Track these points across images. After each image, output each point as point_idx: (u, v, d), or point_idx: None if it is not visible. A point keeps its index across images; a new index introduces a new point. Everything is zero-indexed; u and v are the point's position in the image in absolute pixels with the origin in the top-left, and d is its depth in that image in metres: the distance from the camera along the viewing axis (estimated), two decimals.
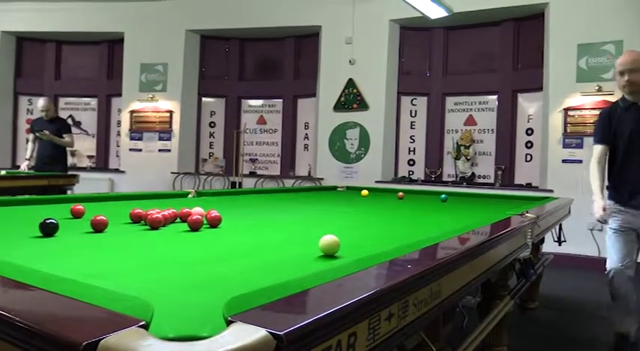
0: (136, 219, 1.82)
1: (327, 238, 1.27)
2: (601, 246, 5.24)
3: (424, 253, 1.33)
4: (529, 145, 6.55)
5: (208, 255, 1.32)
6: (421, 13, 5.07)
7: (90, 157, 8.35)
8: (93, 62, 8.49)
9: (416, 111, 7.22)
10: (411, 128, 7.25)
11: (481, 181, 6.76)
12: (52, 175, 5.14)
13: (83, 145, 8.31)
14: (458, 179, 6.75)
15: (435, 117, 7.06)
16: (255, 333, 0.60)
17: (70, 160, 7.52)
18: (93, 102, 8.50)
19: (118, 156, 8.26)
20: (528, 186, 6.30)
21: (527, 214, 2.35)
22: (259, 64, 8.20)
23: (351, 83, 7.04)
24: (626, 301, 2.72)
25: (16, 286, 0.83)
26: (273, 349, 0.60)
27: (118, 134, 8.26)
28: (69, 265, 1.09)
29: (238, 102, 8.14)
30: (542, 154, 6.17)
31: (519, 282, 2.64)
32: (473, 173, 6.76)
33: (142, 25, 7.83)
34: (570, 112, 5.79)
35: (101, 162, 8.37)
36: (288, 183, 7.51)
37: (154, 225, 1.69)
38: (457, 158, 6.76)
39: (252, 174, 7.78)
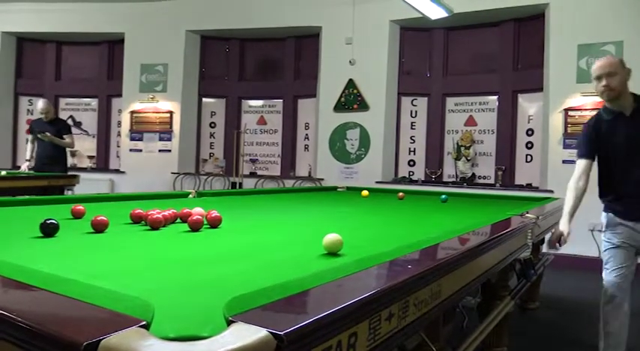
0: (137, 219, 1.83)
1: (331, 237, 1.31)
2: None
3: (424, 254, 1.33)
4: (529, 145, 6.55)
5: (209, 255, 1.32)
6: (421, 13, 5.07)
7: (90, 157, 8.35)
8: (93, 63, 8.49)
9: (416, 111, 7.22)
10: (412, 129, 7.25)
11: (481, 181, 6.76)
12: (53, 176, 5.14)
13: (83, 146, 8.31)
14: (458, 180, 6.74)
15: (436, 117, 7.06)
16: (256, 333, 0.60)
17: (70, 161, 7.52)
18: (93, 102, 8.50)
19: (118, 156, 8.26)
20: (528, 186, 6.30)
21: (527, 215, 2.35)
22: (259, 65, 8.20)
23: (351, 84, 7.04)
24: (619, 340, 2.46)
25: (17, 286, 0.84)
26: (273, 349, 0.60)
27: (119, 135, 8.26)
28: (69, 266, 1.09)
29: (238, 102, 8.14)
30: (543, 154, 6.16)
31: (519, 282, 2.64)
32: (473, 174, 6.76)
33: (142, 26, 7.84)
34: (571, 113, 5.78)
35: (101, 162, 8.37)
36: (289, 183, 7.50)
37: (155, 225, 1.69)
38: (457, 159, 6.76)
39: (252, 174, 7.78)
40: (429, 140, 7.12)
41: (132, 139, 7.92)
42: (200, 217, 1.73)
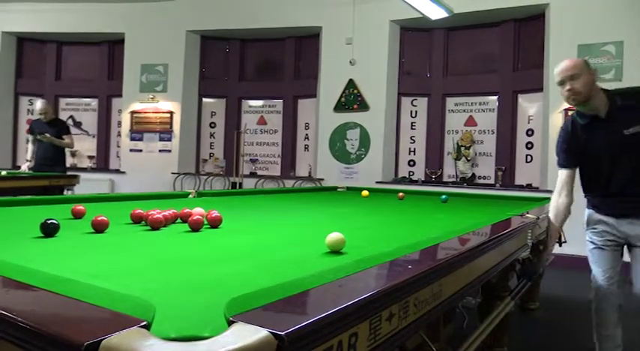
0: (137, 219, 1.83)
1: (334, 235, 1.34)
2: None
3: (425, 254, 1.33)
4: (529, 145, 6.55)
5: (209, 255, 1.32)
6: (421, 13, 5.08)
7: (90, 157, 8.36)
8: (93, 63, 8.50)
9: (416, 111, 7.22)
10: (412, 129, 7.25)
11: (481, 181, 6.76)
12: (53, 176, 5.14)
13: (84, 146, 8.31)
14: (458, 180, 6.74)
15: (436, 117, 7.06)
16: (257, 333, 0.60)
17: (70, 161, 7.54)
18: (93, 102, 8.51)
19: (118, 156, 8.27)
20: (529, 187, 6.30)
21: (527, 215, 2.35)
22: (260, 65, 8.20)
23: (351, 84, 7.04)
24: (616, 342, 2.41)
25: (18, 286, 0.84)
26: (274, 349, 0.60)
27: (119, 135, 8.26)
28: (70, 266, 1.09)
29: (239, 102, 8.14)
30: (543, 154, 6.16)
31: (520, 283, 2.64)
32: (473, 174, 6.76)
33: (142, 26, 7.84)
34: (571, 113, 5.77)
35: (102, 162, 8.37)
36: (289, 183, 7.51)
37: (155, 225, 1.69)
38: (457, 159, 6.76)
39: (252, 174, 7.79)
40: (429, 140, 7.12)
41: (132, 139, 7.92)
42: (200, 217, 1.73)
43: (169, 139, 7.82)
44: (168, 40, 7.77)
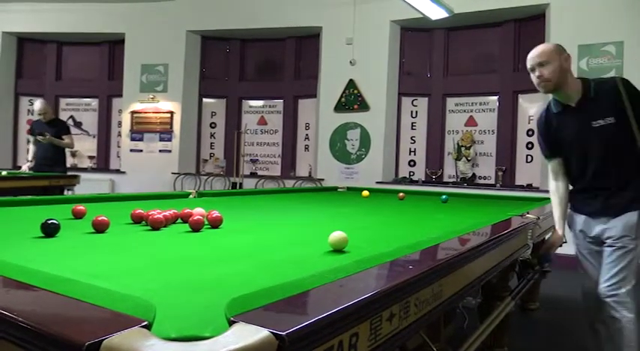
0: (138, 219, 1.83)
1: (337, 234, 1.36)
2: None
3: (425, 254, 1.33)
4: (530, 146, 6.55)
5: (210, 255, 1.32)
6: (422, 14, 5.08)
7: (91, 157, 8.36)
8: (94, 63, 8.50)
9: (417, 112, 7.22)
10: (412, 129, 7.25)
11: (482, 182, 6.76)
12: (53, 176, 5.14)
13: (84, 146, 8.31)
14: (458, 180, 6.74)
15: (436, 118, 7.06)
16: (258, 333, 0.60)
17: (70, 161, 7.54)
18: (94, 103, 8.51)
19: (118, 157, 8.27)
20: (529, 187, 6.29)
21: (527, 215, 2.35)
22: (260, 65, 8.20)
23: (351, 84, 7.04)
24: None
25: (19, 286, 0.84)
26: (275, 349, 0.60)
27: (119, 135, 8.26)
28: (71, 266, 1.09)
29: (239, 103, 8.14)
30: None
31: (520, 283, 2.64)
32: (473, 174, 6.76)
33: (142, 26, 7.84)
34: None
35: (102, 163, 8.37)
36: (289, 184, 7.51)
37: (156, 225, 1.69)
38: (458, 159, 6.76)
39: (252, 174, 7.78)
40: (429, 140, 7.12)
41: (132, 139, 7.93)
42: (201, 217, 1.73)
43: (170, 140, 7.82)
44: (168, 40, 7.77)
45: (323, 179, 7.18)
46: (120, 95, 8.04)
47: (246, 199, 3.23)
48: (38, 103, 5.63)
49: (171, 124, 7.79)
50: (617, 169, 2.22)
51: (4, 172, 5.01)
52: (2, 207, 2.25)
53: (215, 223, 1.77)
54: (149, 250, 1.38)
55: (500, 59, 6.71)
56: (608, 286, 2.19)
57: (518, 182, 6.54)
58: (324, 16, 7.20)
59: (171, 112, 7.79)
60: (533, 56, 2.32)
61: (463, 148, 6.71)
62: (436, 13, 5.04)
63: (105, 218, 1.61)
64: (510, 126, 6.62)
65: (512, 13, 6.40)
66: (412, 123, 7.24)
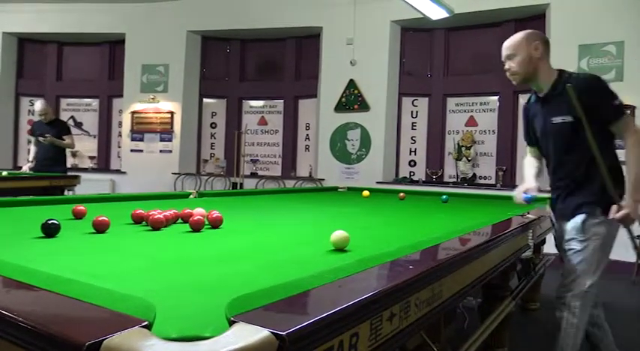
0: (138, 220, 1.83)
1: (339, 233, 1.38)
2: None
3: (426, 254, 1.33)
4: None
5: (210, 255, 1.32)
6: (422, 14, 5.08)
7: (91, 158, 8.36)
8: (94, 63, 8.50)
9: (417, 112, 7.22)
10: (412, 129, 7.24)
11: (482, 181, 6.75)
12: (53, 176, 5.14)
13: (84, 146, 8.31)
14: (459, 180, 6.74)
15: (436, 118, 7.06)
16: (258, 333, 0.60)
17: (71, 161, 7.54)
18: (94, 103, 8.51)
19: (119, 157, 8.27)
20: None
21: (528, 215, 2.35)
22: (260, 65, 8.21)
23: (352, 84, 7.04)
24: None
25: (19, 286, 0.84)
26: (275, 349, 0.60)
27: (120, 135, 8.26)
28: (71, 266, 1.09)
29: (239, 103, 8.15)
30: None
31: (520, 283, 2.64)
32: (474, 174, 6.76)
33: (143, 26, 7.85)
34: None
35: (102, 163, 8.38)
36: (289, 184, 7.51)
37: (156, 226, 1.69)
38: (458, 159, 6.76)
39: (253, 175, 7.78)
40: (429, 140, 7.12)
41: (133, 139, 7.93)
42: (201, 217, 1.73)
43: (170, 140, 7.82)
44: (168, 41, 7.78)
45: (323, 179, 7.18)
46: (120, 95, 8.04)
47: (246, 200, 3.24)
48: (39, 104, 5.62)
49: (171, 124, 7.80)
50: (570, 171, 2.17)
51: (4, 173, 5.01)
52: (3, 207, 2.25)
53: (215, 224, 1.77)
54: (149, 250, 1.38)
55: (501, 59, 6.69)
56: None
57: (518, 182, 6.53)
58: (325, 17, 7.21)
59: (172, 113, 7.79)
60: (504, 47, 2.26)
61: (463, 148, 6.71)
62: (436, 13, 5.04)
63: (105, 218, 1.61)
64: (511, 126, 6.62)
65: (513, 13, 6.39)
66: (412, 123, 7.24)
